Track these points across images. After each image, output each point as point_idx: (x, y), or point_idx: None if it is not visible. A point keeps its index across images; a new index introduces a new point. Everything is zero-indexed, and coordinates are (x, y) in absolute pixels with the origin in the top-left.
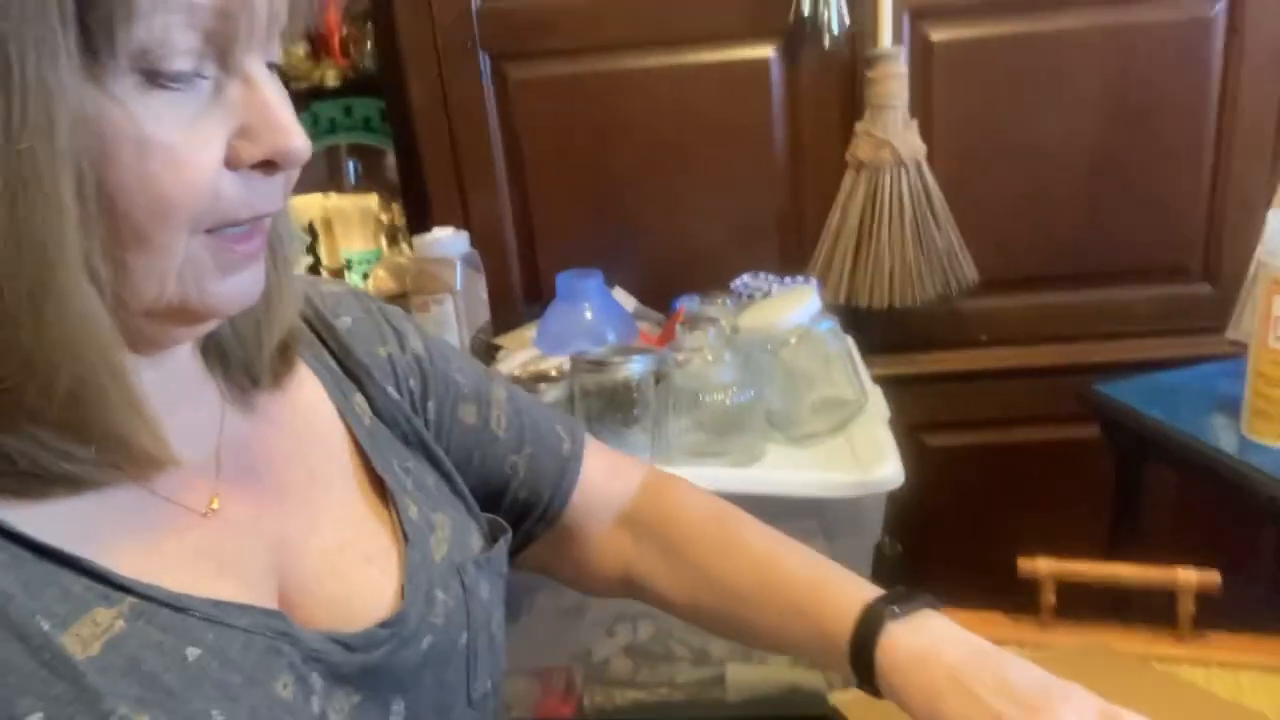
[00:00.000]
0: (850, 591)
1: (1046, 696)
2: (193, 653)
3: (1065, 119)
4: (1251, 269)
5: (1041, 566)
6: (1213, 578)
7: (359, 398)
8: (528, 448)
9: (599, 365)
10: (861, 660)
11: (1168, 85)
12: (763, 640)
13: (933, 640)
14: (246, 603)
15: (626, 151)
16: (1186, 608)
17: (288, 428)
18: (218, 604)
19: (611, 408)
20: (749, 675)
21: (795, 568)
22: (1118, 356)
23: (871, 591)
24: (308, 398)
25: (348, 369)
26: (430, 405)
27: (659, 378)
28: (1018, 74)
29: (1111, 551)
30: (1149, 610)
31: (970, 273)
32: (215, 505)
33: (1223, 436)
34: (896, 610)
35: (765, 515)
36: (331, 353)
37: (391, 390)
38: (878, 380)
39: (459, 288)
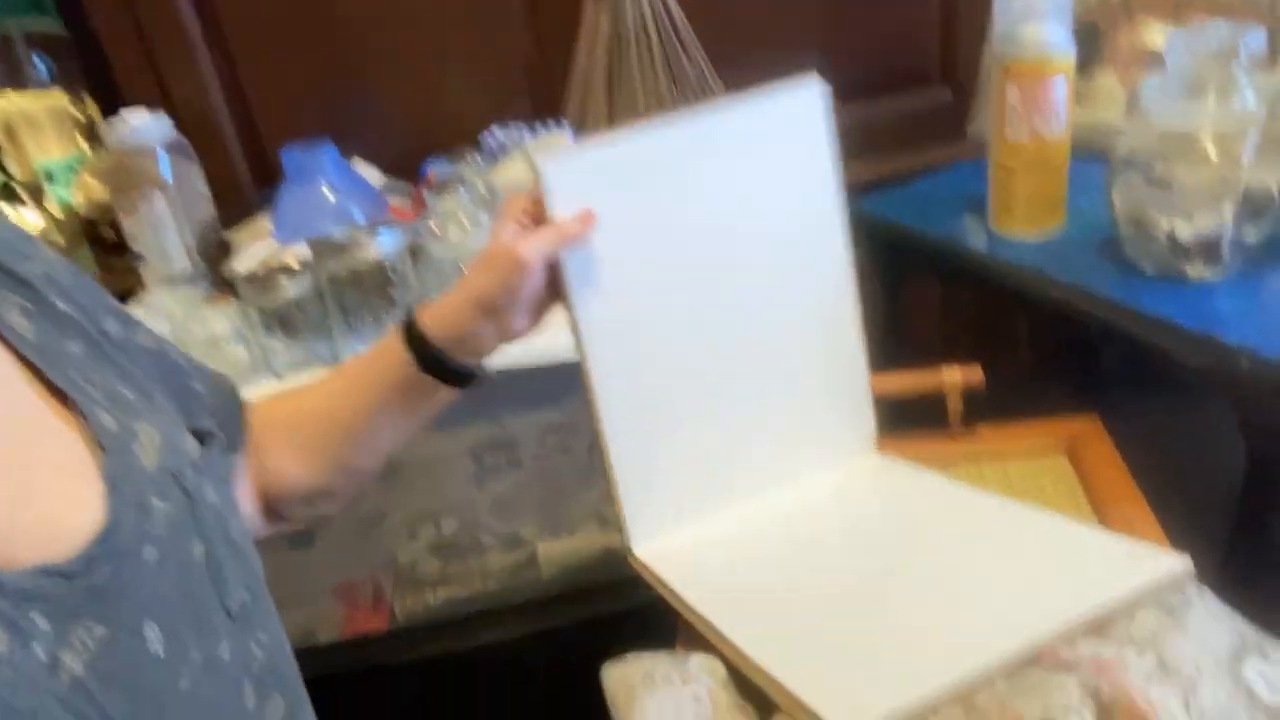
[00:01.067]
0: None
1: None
2: None
3: None
4: (984, 62)
5: None
6: (975, 373)
7: (15, 313)
8: (197, 381)
9: (343, 246)
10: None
11: None
12: (388, 421)
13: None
14: None
15: (346, 2)
16: (955, 406)
17: None
18: None
19: (367, 293)
20: (559, 549)
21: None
22: (871, 174)
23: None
24: None
25: None
26: (109, 321)
27: (415, 252)
28: None
29: (882, 360)
30: (934, 419)
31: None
32: None
33: (973, 236)
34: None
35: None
36: None
37: (60, 303)
38: None
39: (167, 180)
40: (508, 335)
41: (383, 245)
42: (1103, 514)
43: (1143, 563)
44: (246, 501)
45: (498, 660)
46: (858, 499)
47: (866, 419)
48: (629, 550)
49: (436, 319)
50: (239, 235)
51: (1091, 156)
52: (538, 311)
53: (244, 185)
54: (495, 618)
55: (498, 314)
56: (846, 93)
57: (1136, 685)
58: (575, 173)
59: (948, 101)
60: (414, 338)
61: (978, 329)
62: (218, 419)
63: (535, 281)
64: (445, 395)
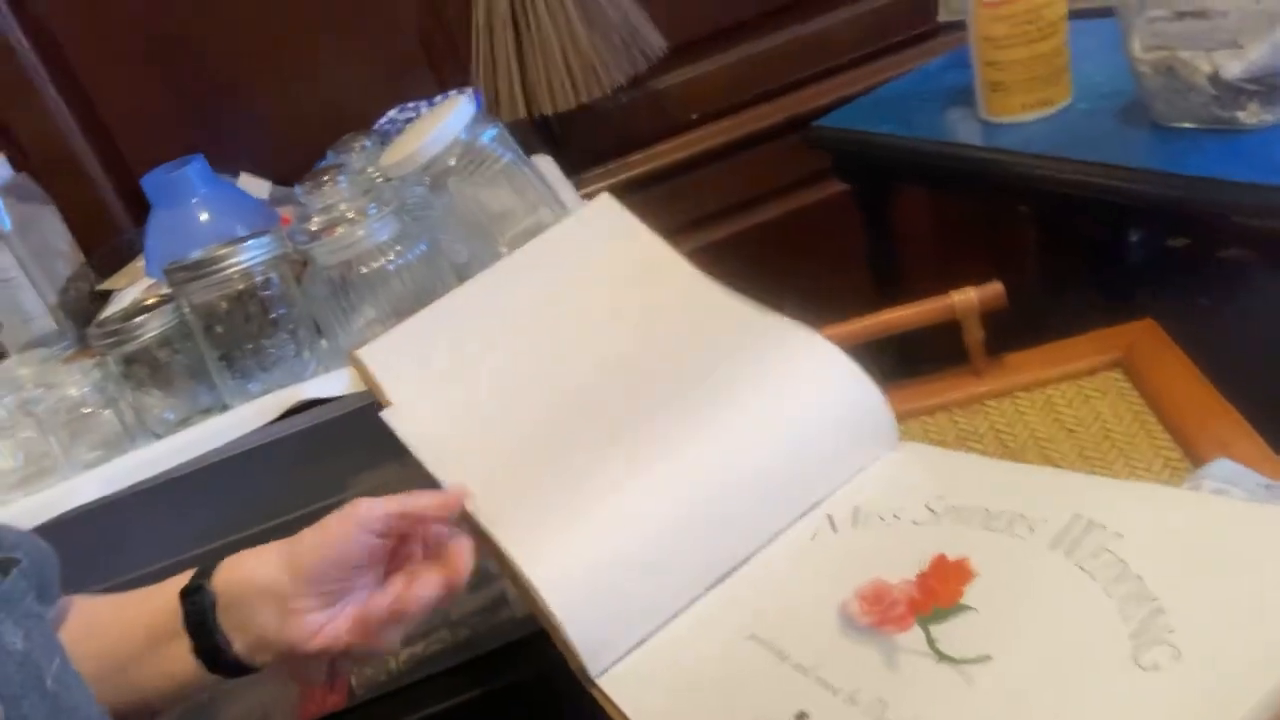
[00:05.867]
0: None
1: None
2: None
3: None
4: None
5: None
6: (995, 290)
7: None
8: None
9: (199, 267)
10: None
11: None
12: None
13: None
14: None
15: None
16: (975, 334)
17: None
18: None
19: (240, 322)
20: None
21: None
22: (838, 93)
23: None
24: None
25: None
26: None
27: (297, 263)
28: None
29: (881, 301)
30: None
31: (656, 40)
32: None
33: (963, 129)
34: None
35: None
36: None
37: None
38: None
39: (6, 229)
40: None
41: (248, 258)
42: (1182, 431)
43: None
44: None
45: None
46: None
47: None
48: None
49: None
50: (118, 281)
51: (1086, 14)
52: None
53: (119, 226)
54: (468, 671)
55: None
56: (794, 10)
57: None
58: (394, 350)
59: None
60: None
61: (982, 246)
62: (30, 559)
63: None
64: None
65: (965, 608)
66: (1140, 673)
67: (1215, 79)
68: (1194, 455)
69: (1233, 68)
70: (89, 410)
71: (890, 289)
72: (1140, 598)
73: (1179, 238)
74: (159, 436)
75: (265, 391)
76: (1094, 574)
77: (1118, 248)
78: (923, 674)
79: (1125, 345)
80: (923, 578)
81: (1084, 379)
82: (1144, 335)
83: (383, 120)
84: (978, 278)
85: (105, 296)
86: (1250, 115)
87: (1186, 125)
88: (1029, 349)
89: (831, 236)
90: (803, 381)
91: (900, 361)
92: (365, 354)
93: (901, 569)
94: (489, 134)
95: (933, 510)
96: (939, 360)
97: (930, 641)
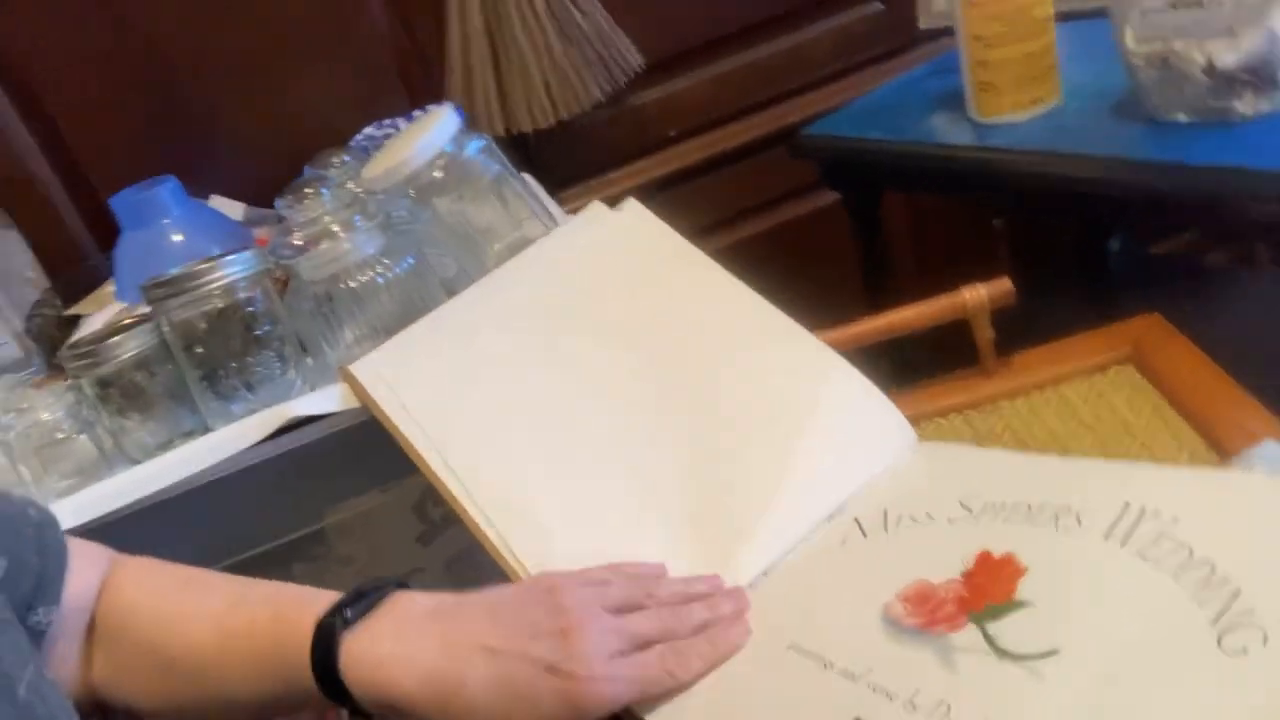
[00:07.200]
0: (305, 611)
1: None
2: None
3: None
4: None
5: None
6: (1004, 287)
7: None
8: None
9: (179, 284)
10: (336, 693)
11: None
12: (262, 707)
13: (394, 634)
14: None
15: (172, 27)
16: (985, 333)
17: None
18: None
19: (222, 340)
20: None
21: (258, 602)
22: (817, 107)
23: (327, 603)
24: None
25: None
26: None
27: (279, 279)
28: None
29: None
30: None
31: (633, 57)
32: None
33: (954, 131)
34: (348, 616)
35: None
36: None
37: None
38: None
39: None
40: None
41: (230, 272)
42: (1198, 418)
43: None
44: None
45: None
46: None
47: None
48: None
49: (394, 703)
50: (87, 307)
51: (1066, 17)
52: None
53: (85, 253)
54: None
55: None
56: (771, 25)
57: None
58: (391, 363)
59: (881, 14)
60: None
61: (961, 255)
62: (11, 561)
63: None
64: None
65: (1022, 603)
66: (1228, 658)
67: (1210, 69)
68: (1218, 444)
69: (1227, 58)
70: (63, 436)
71: (882, 296)
72: (1213, 582)
73: (1180, 233)
74: (137, 461)
75: (250, 412)
76: (1158, 562)
77: (1101, 254)
78: (985, 673)
79: (1134, 340)
80: (969, 576)
81: (1096, 375)
82: (1152, 329)
83: (359, 137)
84: (966, 283)
85: (73, 322)
86: (1246, 105)
87: (1182, 117)
88: (1035, 348)
89: (818, 248)
90: (804, 382)
91: (896, 368)
92: (359, 369)
93: (943, 569)
94: (475, 145)
95: (968, 508)
96: (933, 367)
97: (989, 639)
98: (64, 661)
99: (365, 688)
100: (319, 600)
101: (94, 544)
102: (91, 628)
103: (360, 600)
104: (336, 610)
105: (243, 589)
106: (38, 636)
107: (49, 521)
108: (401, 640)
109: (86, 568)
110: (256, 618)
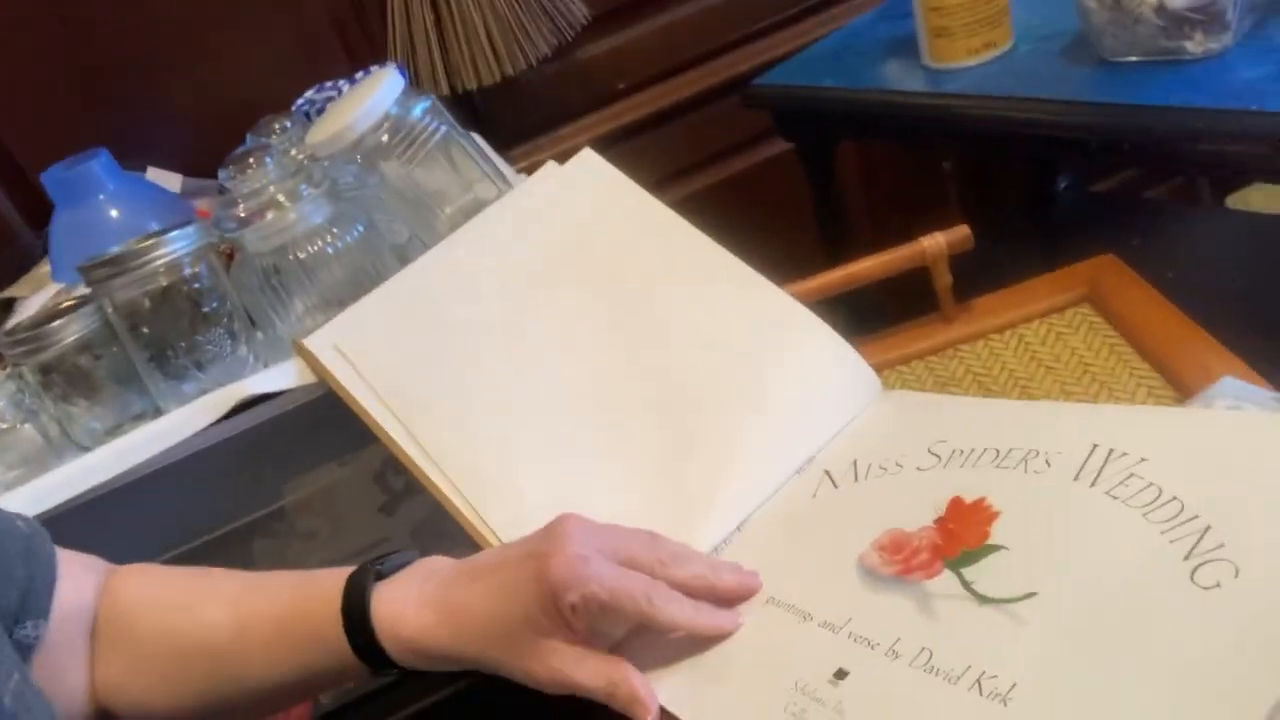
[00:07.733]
0: (331, 579)
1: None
2: None
3: None
4: None
5: None
6: (962, 233)
7: None
8: None
9: (120, 262)
10: (363, 640)
11: None
12: (278, 689)
13: (424, 573)
14: None
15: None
16: (944, 279)
17: None
18: None
19: (169, 319)
20: None
21: (276, 582)
22: (765, 56)
23: (348, 571)
24: None
25: None
26: None
27: (226, 251)
28: None
29: (829, 258)
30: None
31: (579, 9)
32: None
33: (907, 78)
34: (381, 569)
35: None
36: None
37: None
38: (526, 174)
39: None
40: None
41: (174, 249)
42: (1155, 356)
43: None
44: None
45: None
46: None
47: None
48: None
49: (413, 638)
50: (21, 290)
51: None
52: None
53: (17, 233)
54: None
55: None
56: None
57: None
58: (350, 334)
59: None
60: (366, 645)
61: (909, 201)
62: None
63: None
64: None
65: (996, 547)
66: (1202, 592)
67: (1161, 9)
68: (1177, 381)
69: None
70: (5, 426)
71: (838, 244)
72: (1183, 519)
73: (1126, 171)
74: (87, 449)
75: (202, 392)
76: (1127, 501)
77: (1049, 193)
78: (966, 618)
79: (1089, 281)
80: (942, 522)
81: (1053, 316)
82: (1106, 269)
83: (300, 101)
84: (918, 230)
85: (8, 306)
86: (1196, 45)
87: (1134, 59)
88: (992, 293)
89: (772, 198)
90: (772, 334)
91: (854, 314)
92: (313, 342)
93: (916, 517)
94: (420, 106)
95: (936, 455)
96: (889, 313)
97: (966, 584)
98: (62, 674)
99: (396, 632)
100: (340, 571)
101: (87, 555)
102: (93, 636)
103: (388, 559)
104: (365, 567)
105: (256, 576)
106: (25, 650)
107: (38, 534)
108: (430, 582)
109: (79, 575)
110: (276, 594)
